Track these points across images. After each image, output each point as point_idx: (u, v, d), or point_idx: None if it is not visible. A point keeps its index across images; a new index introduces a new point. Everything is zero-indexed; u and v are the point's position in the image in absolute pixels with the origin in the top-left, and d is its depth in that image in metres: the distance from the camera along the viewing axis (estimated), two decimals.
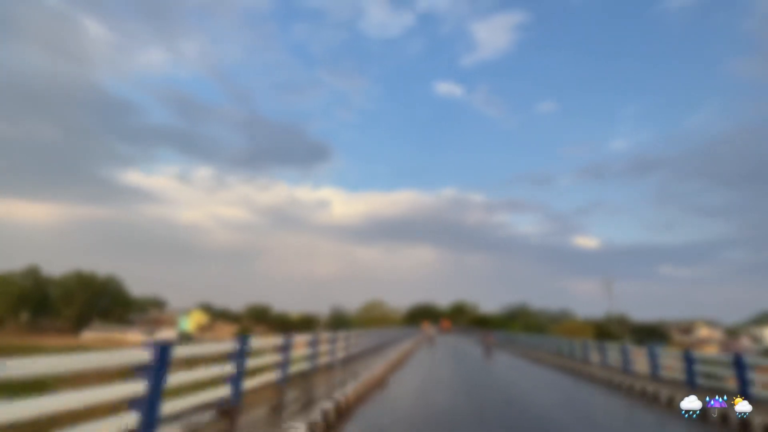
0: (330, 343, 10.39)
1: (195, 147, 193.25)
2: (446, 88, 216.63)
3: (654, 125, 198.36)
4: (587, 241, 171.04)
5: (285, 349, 7.09)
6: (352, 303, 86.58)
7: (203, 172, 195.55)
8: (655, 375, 10.79)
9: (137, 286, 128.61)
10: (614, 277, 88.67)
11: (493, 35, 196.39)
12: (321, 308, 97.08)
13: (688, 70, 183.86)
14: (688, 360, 9.34)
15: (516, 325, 77.56)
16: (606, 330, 75.60)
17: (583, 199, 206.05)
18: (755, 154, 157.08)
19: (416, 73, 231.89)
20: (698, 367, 9.14)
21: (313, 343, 8.84)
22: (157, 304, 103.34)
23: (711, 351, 58.74)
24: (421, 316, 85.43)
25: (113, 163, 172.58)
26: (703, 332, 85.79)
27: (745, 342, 74.18)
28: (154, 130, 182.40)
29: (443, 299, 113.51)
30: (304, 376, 8.26)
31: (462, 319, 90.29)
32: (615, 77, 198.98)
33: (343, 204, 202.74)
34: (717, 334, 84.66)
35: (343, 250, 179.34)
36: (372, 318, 72.65)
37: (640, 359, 12.17)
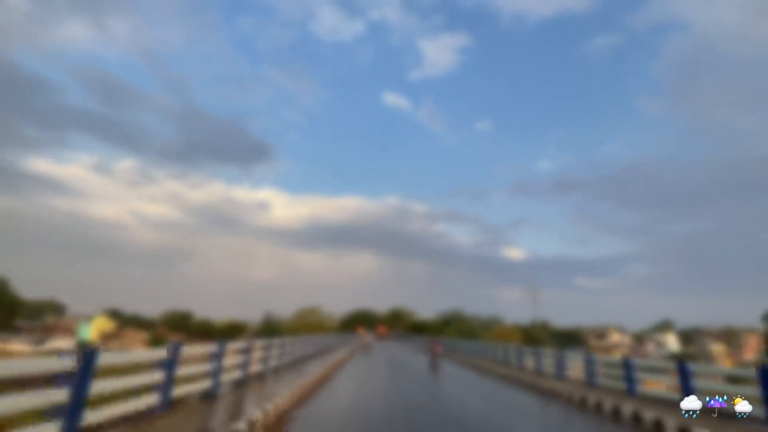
0: (212, 360, 6.98)
1: (118, 135, 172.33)
2: (394, 99, 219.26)
3: (575, 150, 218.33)
4: (515, 253, 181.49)
5: (76, 377, 3.68)
6: (288, 309, 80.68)
7: (126, 164, 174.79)
8: (631, 390, 8.90)
9: (34, 289, 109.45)
10: (538, 286, 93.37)
11: (440, 54, 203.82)
12: (254, 315, 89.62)
13: (605, 103, 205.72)
14: (683, 373, 7.46)
15: (451, 331, 78.21)
16: (531, 335, 79.27)
17: (513, 214, 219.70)
18: (656, 182, 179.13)
19: (365, 80, 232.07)
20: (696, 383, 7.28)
21: (168, 365, 5.43)
22: (55, 308, 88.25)
23: (619, 354, 62.91)
24: (358, 322, 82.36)
25: (16, 147, 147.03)
26: (615, 338, 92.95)
27: (650, 347, 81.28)
28: (70, 113, 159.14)
29: (382, 306, 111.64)
30: (147, 420, 4.84)
31: (399, 325, 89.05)
32: (544, 104, 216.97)
33: (284, 207, 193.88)
34: (626, 340, 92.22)
35: (283, 255, 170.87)
36: (306, 324, 67.92)
37: (610, 372, 10.32)
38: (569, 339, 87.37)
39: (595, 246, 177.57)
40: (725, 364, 45.92)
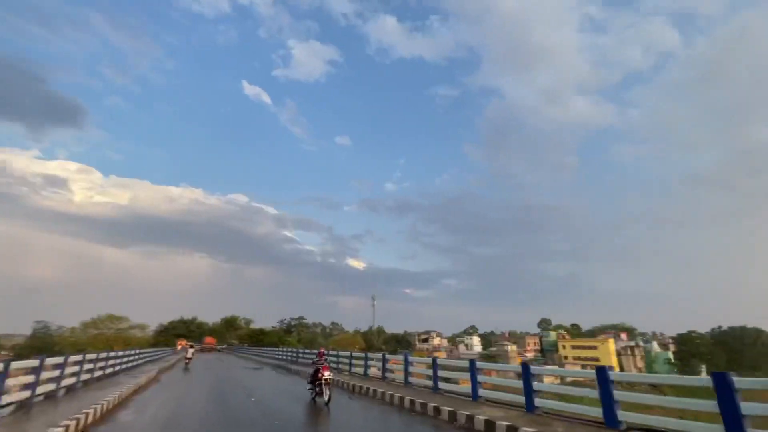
0: None
1: None
2: (255, 91, 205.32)
3: (415, 177, 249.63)
4: (357, 263, 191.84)
5: None
6: (82, 319, 59.73)
7: None
8: (533, 410, 7.42)
9: None
10: (376, 295, 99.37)
11: (309, 60, 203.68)
12: (23, 326, 63.97)
13: (441, 142, 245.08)
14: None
15: (292, 340, 75.10)
16: (368, 340, 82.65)
17: (359, 227, 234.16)
18: (470, 213, 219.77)
19: (224, 63, 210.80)
20: None
21: None
22: None
23: (442, 356, 71.24)
24: (180, 333, 69.68)
25: None
26: (436, 341, 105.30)
27: (461, 348, 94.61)
28: None
29: (214, 314, 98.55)
30: None
31: (233, 335, 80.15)
32: (396, 133, 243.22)
33: (91, 188, 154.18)
34: (444, 342, 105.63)
35: (81, 249, 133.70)
36: (102, 338, 52.38)
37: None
38: (399, 343, 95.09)
39: (421, 262, 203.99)
40: (517, 362, 56.98)
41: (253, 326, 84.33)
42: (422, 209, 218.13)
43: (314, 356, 12.02)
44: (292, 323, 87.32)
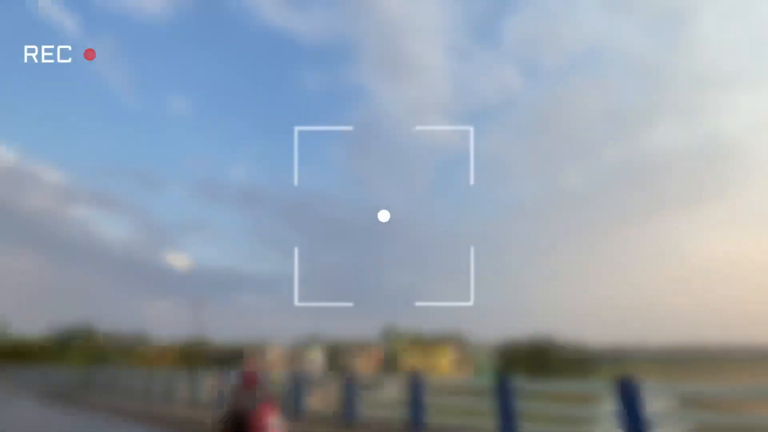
0: None
1: None
2: (52, 10, 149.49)
3: (269, 168, 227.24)
4: (180, 260, 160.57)
5: None
6: None
7: None
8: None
9: None
10: (204, 299, 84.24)
11: None
12: None
13: (305, 134, 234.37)
14: None
15: (74, 356, 58.98)
16: (187, 355, 72.01)
17: (190, 214, 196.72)
18: (323, 216, 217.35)
19: None
20: None
21: None
22: None
23: (281, 369, 63.97)
24: None
25: None
26: (275, 352, 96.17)
27: (304, 359, 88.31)
28: None
29: None
30: None
31: None
32: (252, 111, 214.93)
33: None
34: (284, 354, 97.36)
35: None
36: None
37: None
38: (229, 357, 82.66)
39: (261, 263, 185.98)
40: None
41: (4, 336, 60.46)
42: (272, 204, 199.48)
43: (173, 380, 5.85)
44: (74, 332, 65.44)
